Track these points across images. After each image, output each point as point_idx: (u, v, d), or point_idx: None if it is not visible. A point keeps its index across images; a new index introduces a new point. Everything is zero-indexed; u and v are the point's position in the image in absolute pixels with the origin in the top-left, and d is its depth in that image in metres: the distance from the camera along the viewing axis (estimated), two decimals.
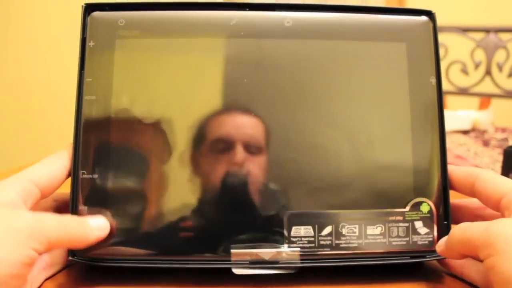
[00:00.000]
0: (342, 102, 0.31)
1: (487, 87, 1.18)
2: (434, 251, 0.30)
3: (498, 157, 0.69)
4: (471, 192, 0.30)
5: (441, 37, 1.19)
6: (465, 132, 0.88)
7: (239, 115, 0.30)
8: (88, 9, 0.30)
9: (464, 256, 0.27)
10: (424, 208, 0.30)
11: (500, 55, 1.16)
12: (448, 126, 0.89)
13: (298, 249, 0.29)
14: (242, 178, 0.30)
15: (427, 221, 0.30)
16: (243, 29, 0.30)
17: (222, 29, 0.30)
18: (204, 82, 0.30)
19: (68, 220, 0.27)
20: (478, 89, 1.19)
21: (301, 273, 0.29)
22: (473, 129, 0.90)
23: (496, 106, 1.06)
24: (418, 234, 0.30)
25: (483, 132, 0.89)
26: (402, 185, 0.30)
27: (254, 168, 0.30)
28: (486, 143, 0.79)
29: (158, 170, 0.29)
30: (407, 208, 0.30)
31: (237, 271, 0.29)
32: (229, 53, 0.30)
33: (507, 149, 0.47)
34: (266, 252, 0.29)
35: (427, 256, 0.30)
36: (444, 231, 0.30)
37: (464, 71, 1.19)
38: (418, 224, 0.30)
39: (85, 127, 0.29)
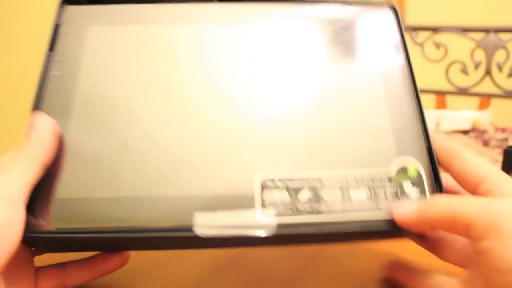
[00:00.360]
0: (314, 68, 0.32)
1: (487, 87, 1.18)
2: None
3: (498, 157, 0.69)
4: (447, 168, 0.28)
5: (441, 37, 1.19)
6: (465, 132, 0.88)
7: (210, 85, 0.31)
8: (65, 2, 0.32)
9: (434, 230, 0.25)
10: (412, 170, 0.28)
11: (500, 55, 1.16)
12: (448, 126, 0.89)
13: (275, 213, 0.26)
14: (209, 140, 0.29)
15: (417, 183, 0.28)
16: (215, 17, 0.32)
17: (193, 17, 0.32)
18: (172, 66, 0.31)
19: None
20: (478, 89, 1.18)
21: (278, 240, 0.27)
22: (473, 129, 0.90)
23: (496, 106, 1.06)
24: (409, 197, 0.27)
25: (483, 132, 0.89)
26: (384, 146, 0.29)
27: (223, 130, 0.29)
28: (486, 143, 0.79)
29: (120, 141, 0.29)
30: (392, 169, 0.28)
31: (201, 231, 0.26)
32: (201, 39, 0.32)
33: (507, 149, 0.47)
34: (237, 216, 0.26)
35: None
36: (438, 190, 0.28)
37: (464, 71, 1.19)
38: (408, 187, 0.28)
39: (48, 101, 0.29)
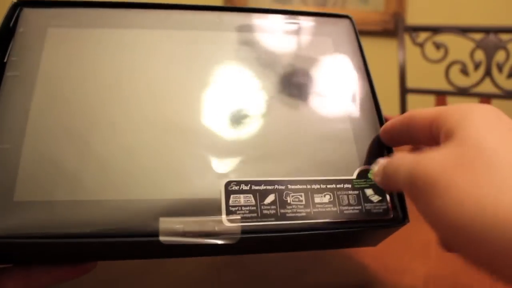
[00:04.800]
0: (281, 79, 0.32)
1: (487, 87, 1.18)
2: (390, 220, 0.28)
3: None
4: (409, 138, 0.27)
5: (441, 37, 1.19)
6: None
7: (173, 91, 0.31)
8: (20, 4, 0.32)
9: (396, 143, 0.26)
10: (371, 175, 0.29)
11: (500, 56, 1.16)
12: None
13: (240, 217, 0.26)
14: (174, 144, 0.28)
15: (377, 188, 0.29)
16: (174, 22, 0.33)
17: (153, 22, 0.33)
18: (132, 69, 0.31)
19: None
20: (478, 89, 1.19)
21: (244, 246, 0.27)
22: None
23: (496, 107, 1.06)
24: (371, 202, 0.28)
25: None
26: (346, 154, 0.30)
27: (188, 136, 0.29)
28: None
29: (79, 146, 0.28)
30: (354, 176, 0.29)
31: (164, 239, 0.25)
32: (161, 43, 0.32)
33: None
34: (202, 221, 0.26)
35: (383, 224, 0.28)
36: (397, 198, 0.29)
37: (464, 71, 1.19)
38: (369, 192, 0.29)
39: (4, 101, 0.28)
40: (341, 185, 0.28)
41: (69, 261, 0.28)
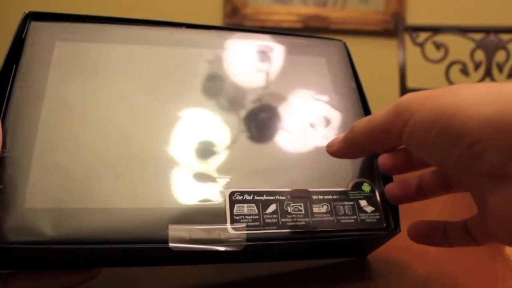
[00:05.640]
0: (281, 100, 0.34)
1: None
2: (383, 229, 0.30)
3: None
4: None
5: (441, 37, 1.19)
6: None
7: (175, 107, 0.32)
8: (30, 16, 0.32)
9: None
10: (366, 187, 0.31)
11: (500, 56, 1.16)
12: None
13: (244, 225, 0.28)
14: (183, 156, 0.29)
15: (371, 200, 0.31)
16: (176, 39, 0.34)
17: (155, 39, 0.34)
18: (136, 80, 0.32)
19: None
20: None
21: (246, 254, 0.28)
22: None
23: None
24: (365, 212, 0.30)
25: None
26: (341, 168, 0.31)
27: (196, 149, 0.30)
28: None
29: (88, 155, 0.28)
30: (349, 187, 0.31)
31: (174, 245, 0.26)
32: (163, 59, 0.33)
33: None
34: (208, 229, 0.27)
35: (377, 232, 0.30)
36: (389, 208, 0.31)
37: (464, 71, 1.19)
38: (363, 203, 0.30)
39: (14, 110, 0.29)
40: (337, 196, 0.30)
41: (76, 267, 0.28)
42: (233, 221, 0.28)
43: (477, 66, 1.18)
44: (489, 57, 1.17)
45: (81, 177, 0.27)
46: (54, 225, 0.25)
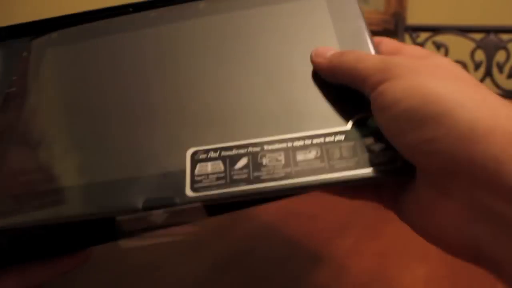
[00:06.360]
0: (251, 52, 0.29)
1: (487, 87, 1.18)
2: (398, 169, 0.23)
3: None
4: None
5: (441, 37, 1.19)
6: None
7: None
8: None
9: (341, 82, 0.25)
10: (372, 123, 0.24)
11: (500, 56, 1.16)
12: None
13: (203, 185, 0.23)
14: (141, 120, 0.27)
15: (380, 135, 0.23)
16: (149, 19, 0.33)
17: (135, 24, 0.33)
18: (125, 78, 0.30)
19: None
20: None
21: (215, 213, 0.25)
22: None
23: None
24: (372, 151, 0.23)
25: None
26: (336, 104, 0.25)
27: (152, 112, 0.28)
28: None
29: (60, 130, 0.28)
30: (348, 126, 0.25)
31: (124, 244, 0.24)
32: (141, 43, 0.32)
33: None
34: (157, 214, 0.24)
35: (389, 173, 0.23)
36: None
37: None
38: (368, 141, 0.24)
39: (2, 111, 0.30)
40: (331, 138, 0.24)
41: (59, 252, 0.28)
42: (193, 183, 0.24)
43: (477, 66, 1.18)
44: (489, 57, 1.17)
45: (52, 156, 0.27)
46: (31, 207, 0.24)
